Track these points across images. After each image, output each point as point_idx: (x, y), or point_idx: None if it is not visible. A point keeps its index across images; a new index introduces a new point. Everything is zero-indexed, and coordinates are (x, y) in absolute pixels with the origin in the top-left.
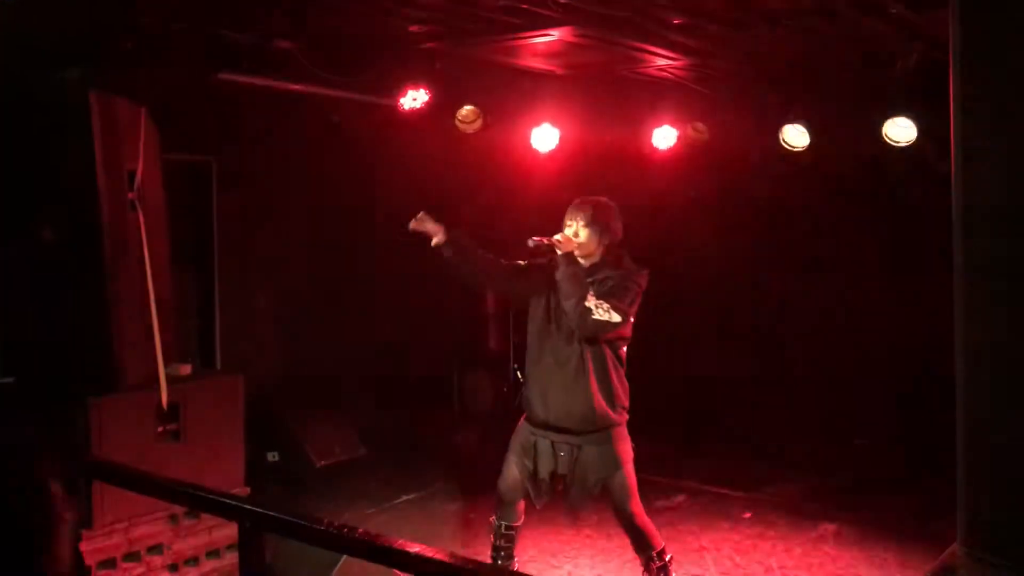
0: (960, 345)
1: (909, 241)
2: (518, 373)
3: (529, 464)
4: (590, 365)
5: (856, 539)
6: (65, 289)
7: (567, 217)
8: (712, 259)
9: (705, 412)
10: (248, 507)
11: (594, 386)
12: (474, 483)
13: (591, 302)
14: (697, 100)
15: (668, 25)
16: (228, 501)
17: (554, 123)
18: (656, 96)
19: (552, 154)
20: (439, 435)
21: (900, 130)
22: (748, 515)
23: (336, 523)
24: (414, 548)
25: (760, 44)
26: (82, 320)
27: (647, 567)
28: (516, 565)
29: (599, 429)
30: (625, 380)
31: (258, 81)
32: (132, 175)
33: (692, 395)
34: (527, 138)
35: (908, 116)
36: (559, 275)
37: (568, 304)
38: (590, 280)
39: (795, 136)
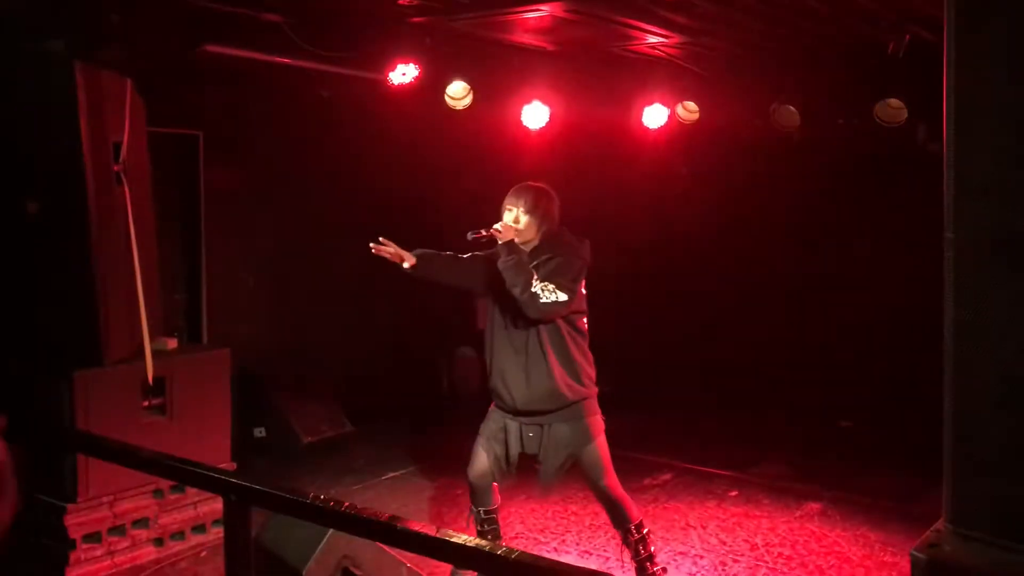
0: (949, 321)
1: (901, 223)
2: None
3: (499, 449)
4: (547, 347)
5: (840, 518)
6: (50, 262)
7: (506, 204)
8: (701, 238)
9: (692, 392)
10: (233, 481)
11: (554, 366)
12: (460, 461)
13: (536, 286)
14: (688, 79)
15: (659, 1)
16: (213, 475)
17: (544, 100)
18: (647, 74)
19: (542, 131)
20: (426, 413)
21: (891, 111)
22: (734, 493)
23: (322, 497)
24: (399, 522)
25: (752, 23)
26: (67, 294)
27: (625, 540)
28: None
29: (566, 405)
30: (589, 352)
31: (245, 54)
32: (117, 148)
33: (678, 375)
34: (517, 115)
35: (899, 97)
36: (501, 264)
37: (515, 292)
38: (533, 264)
39: (786, 116)
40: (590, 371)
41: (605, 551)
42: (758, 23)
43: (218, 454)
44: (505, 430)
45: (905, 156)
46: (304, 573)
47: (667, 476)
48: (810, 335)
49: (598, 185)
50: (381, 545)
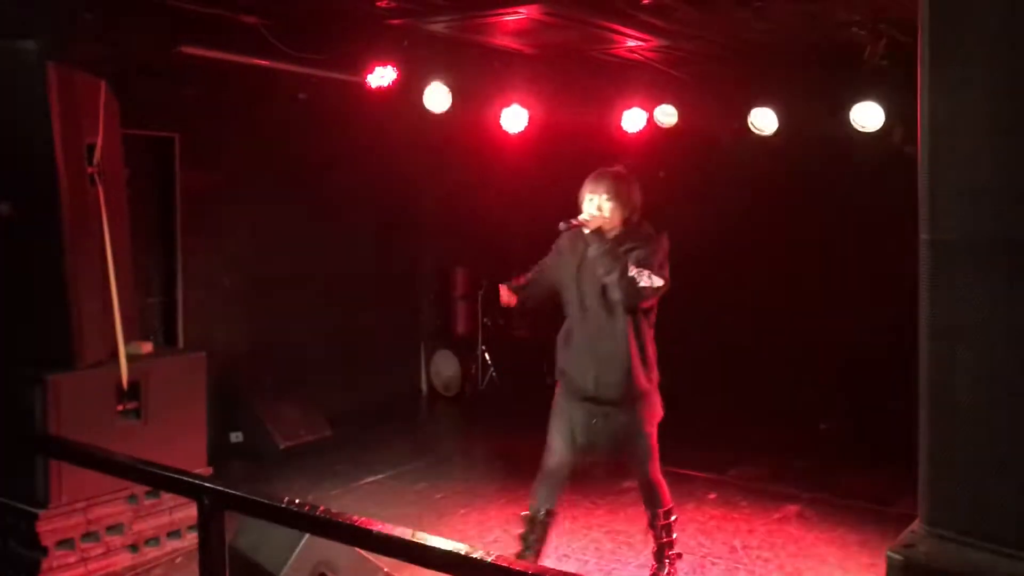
0: (924, 322)
1: (878, 225)
2: (486, 356)
3: (577, 437)
4: (629, 334)
5: (818, 519)
6: (23, 264)
7: (587, 192)
8: (680, 241)
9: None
10: (206, 484)
11: (634, 354)
12: (440, 465)
13: (633, 271)
14: (667, 82)
15: (637, 5)
16: (186, 479)
17: (523, 104)
18: (626, 78)
19: (522, 135)
20: (406, 417)
21: (868, 115)
22: (713, 496)
23: (297, 501)
24: (376, 526)
25: (729, 27)
26: (40, 296)
27: (652, 523)
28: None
29: (636, 397)
30: (655, 344)
31: (222, 56)
32: (91, 149)
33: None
34: (496, 118)
35: (876, 101)
36: (593, 252)
37: (611, 278)
38: (621, 250)
39: (763, 120)
40: (655, 365)
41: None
42: (735, 27)
43: (194, 458)
44: (571, 420)
45: (881, 159)
46: None
47: None
48: (788, 336)
49: (577, 189)
50: (359, 550)
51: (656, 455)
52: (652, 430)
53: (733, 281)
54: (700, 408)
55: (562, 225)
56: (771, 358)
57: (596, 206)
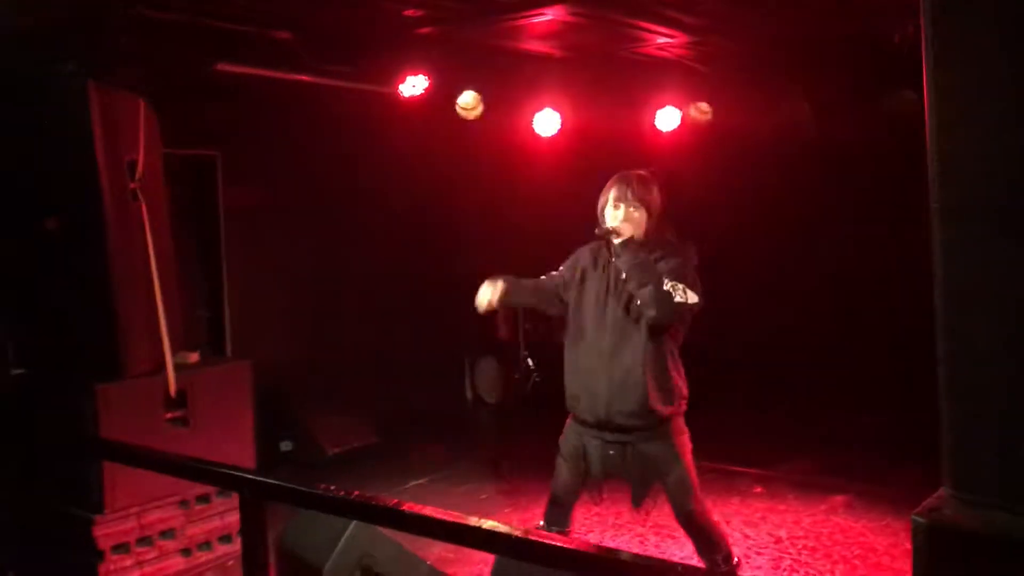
0: (939, 286)
1: (919, 219)
2: (529, 361)
3: (582, 466)
4: (645, 355)
5: (866, 509)
6: (70, 280)
7: (613, 198)
8: (718, 238)
9: (714, 391)
10: (247, 476)
11: (649, 377)
12: (484, 468)
13: (667, 285)
14: (699, 80)
15: (662, 0)
16: (225, 471)
17: (555, 107)
18: (658, 77)
19: (554, 138)
20: (450, 422)
21: (903, 103)
22: (759, 490)
23: (332, 487)
24: (411, 507)
25: (757, 19)
26: (88, 310)
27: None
28: None
29: (653, 425)
30: (682, 367)
31: (257, 72)
32: (133, 165)
33: (700, 374)
34: (529, 122)
35: (909, 89)
36: (623, 263)
37: (644, 292)
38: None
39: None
40: (683, 387)
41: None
42: (763, 20)
43: (242, 463)
44: (584, 448)
45: (919, 147)
46: (324, 572)
47: None
48: (835, 329)
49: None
50: (402, 544)
51: (696, 492)
52: (686, 460)
53: (777, 274)
54: (745, 404)
55: (598, 230)
56: (818, 352)
57: (624, 215)
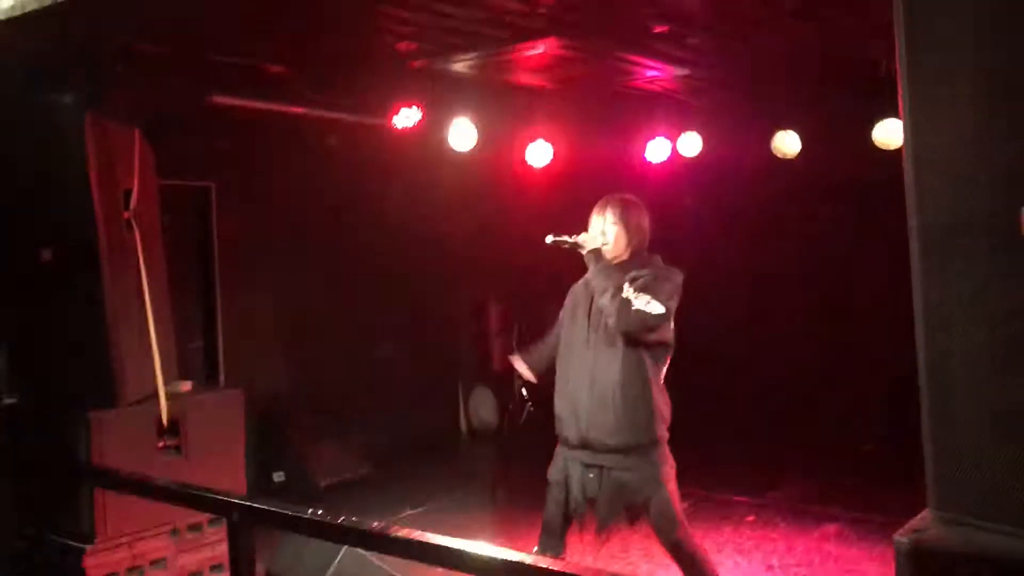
0: (918, 306)
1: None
2: (523, 391)
3: (563, 494)
4: (626, 376)
5: (858, 537)
6: (65, 308)
7: (595, 215)
8: (709, 267)
9: (709, 419)
10: (235, 500)
11: (632, 397)
12: (478, 497)
13: (628, 292)
14: (689, 112)
15: (651, 34)
16: (214, 496)
17: (547, 138)
18: (649, 108)
19: (546, 169)
20: (444, 452)
21: (890, 133)
22: (751, 518)
23: (320, 511)
24: (400, 531)
25: (744, 51)
26: (82, 338)
27: None
28: None
29: (632, 449)
30: (666, 394)
31: (252, 104)
32: (127, 195)
33: (695, 401)
34: (522, 154)
35: (896, 117)
36: (590, 274)
37: (604, 298)
38: (627, 277)
39: (787, 143)
40: (665, 412)
41: None
42: (750, 52)
43: (234, 491)
44: (567, 472)
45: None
46: None
47: (684, 505)
48: (827, 358)
49: None
50: (392, 572)
51: (682, 521)
52: (669, 488)
53: (769, 303)
54: (738, 431)
55: (549, 238)
56: (810, 381)
57: (600, 230)
